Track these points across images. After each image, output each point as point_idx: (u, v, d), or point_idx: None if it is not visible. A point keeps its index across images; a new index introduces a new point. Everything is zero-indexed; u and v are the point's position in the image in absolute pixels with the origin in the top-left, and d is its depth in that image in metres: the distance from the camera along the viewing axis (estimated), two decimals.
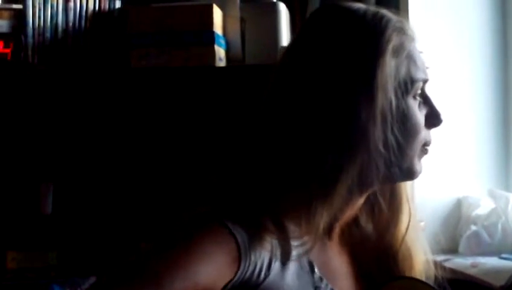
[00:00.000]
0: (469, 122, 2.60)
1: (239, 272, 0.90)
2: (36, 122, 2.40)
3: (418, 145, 1.00)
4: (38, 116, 2.40)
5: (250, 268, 0.91)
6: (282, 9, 2.21)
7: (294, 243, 0.95)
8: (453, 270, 2.16)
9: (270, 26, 2.17)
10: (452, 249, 2.48)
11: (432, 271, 1.09)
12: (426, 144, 1.02)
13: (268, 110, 1.01)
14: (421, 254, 1.09)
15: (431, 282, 1.08)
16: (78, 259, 2.32)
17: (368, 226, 1.08)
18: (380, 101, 0.95)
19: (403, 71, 0.98)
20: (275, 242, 0.93)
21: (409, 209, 1.08)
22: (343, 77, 0.96)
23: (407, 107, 0.98)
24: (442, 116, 1.02)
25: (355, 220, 1.07)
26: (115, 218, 2.35)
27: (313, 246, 0.96)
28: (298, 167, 0.95)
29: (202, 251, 0.89)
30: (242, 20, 2.22)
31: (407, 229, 1.07)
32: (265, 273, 0.92)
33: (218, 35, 2.14)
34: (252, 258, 0.91)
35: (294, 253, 0.95)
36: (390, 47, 0.97)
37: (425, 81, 1.01)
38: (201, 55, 2.11)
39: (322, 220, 0.94)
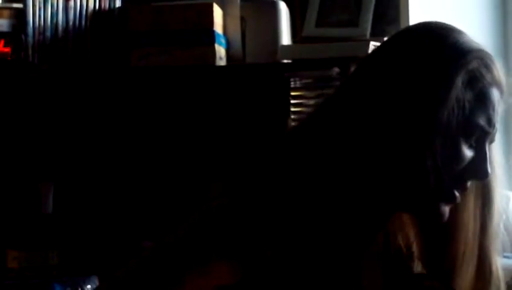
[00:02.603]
0: None
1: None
2: (36, 122, 2.40)
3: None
4: (38, 116, 2.40)
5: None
6: (283, 8, 2.20)
7: None
8: None
9: (271, 25, 2.17)
10: None
11: None
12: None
13: (325, 119, 0.98)
14: None
15: None
16: (79, 258, 2.32)
17: (418, 263, 1.04)
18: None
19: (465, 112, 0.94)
20: None
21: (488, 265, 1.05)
22: (401, 108, 0.93)
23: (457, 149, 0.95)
24: (488, 174, 0.99)
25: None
26: (116, 217, 2.35)
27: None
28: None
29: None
30: (242, 19, 2.22)
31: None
32: None
33: (218, 34, 2.14)
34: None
35: None
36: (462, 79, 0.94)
37: (485, 131, 0.98)
38: (202, 54, 2.10)
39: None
